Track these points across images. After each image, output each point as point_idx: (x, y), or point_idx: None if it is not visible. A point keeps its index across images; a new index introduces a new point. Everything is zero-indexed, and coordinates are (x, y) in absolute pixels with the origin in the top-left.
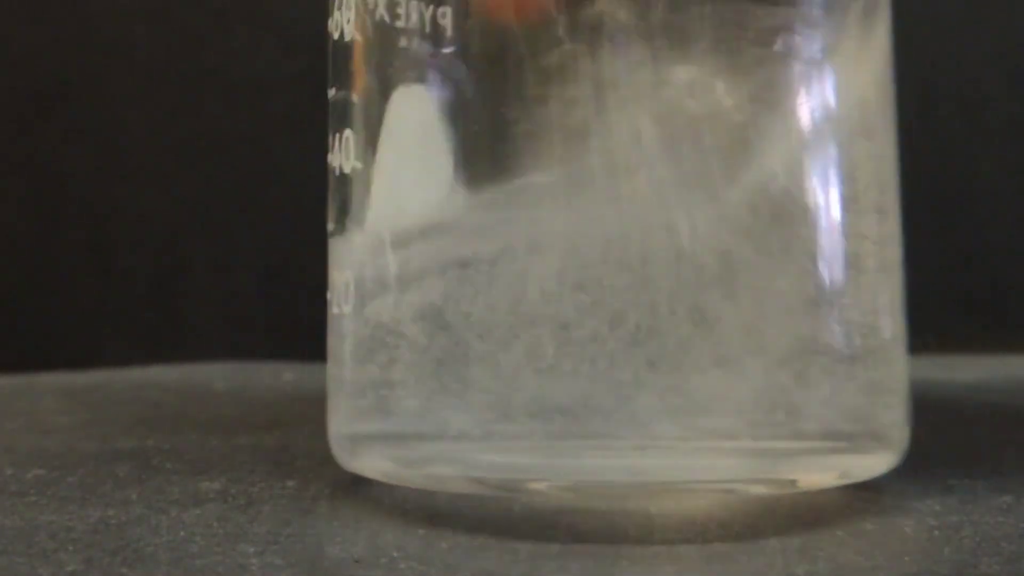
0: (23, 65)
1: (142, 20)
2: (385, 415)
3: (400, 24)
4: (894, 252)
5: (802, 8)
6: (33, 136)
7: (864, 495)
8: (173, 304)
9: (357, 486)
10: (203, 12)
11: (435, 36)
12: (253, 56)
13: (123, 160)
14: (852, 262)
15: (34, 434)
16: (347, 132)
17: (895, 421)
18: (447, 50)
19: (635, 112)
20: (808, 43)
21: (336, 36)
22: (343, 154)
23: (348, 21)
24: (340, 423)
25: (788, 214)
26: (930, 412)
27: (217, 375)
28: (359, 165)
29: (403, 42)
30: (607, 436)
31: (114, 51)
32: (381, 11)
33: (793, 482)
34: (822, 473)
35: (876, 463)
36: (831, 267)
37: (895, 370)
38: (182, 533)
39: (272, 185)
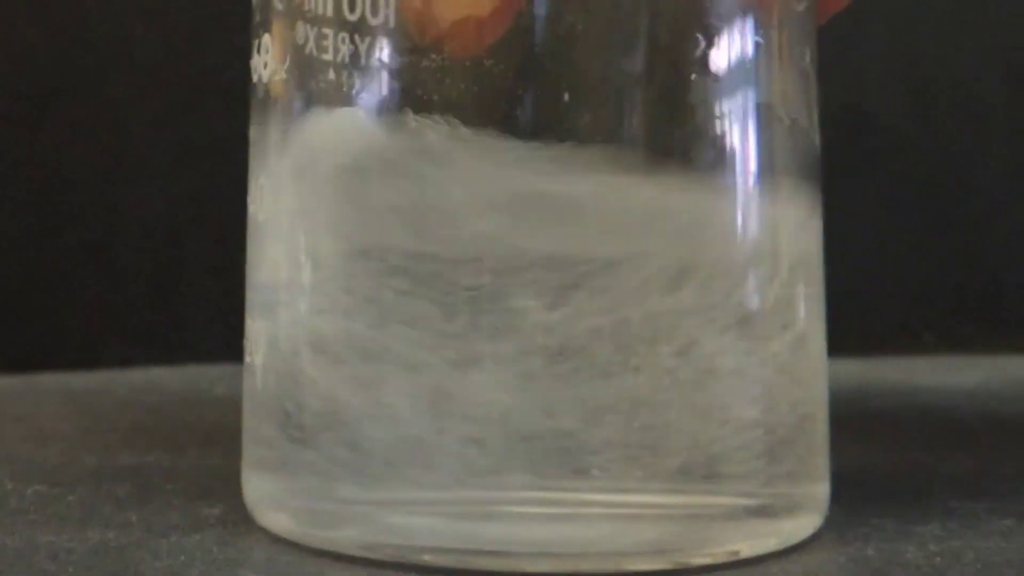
0: (23, 65)
1: (142, 20)
2: (288, 472)
3: (327, 57)
4: (818, 320)
5: None
6: (33, 136)
7: (866, 519)
8: (173, 304)
9: None
10: (203, 12)
11: (365, 69)
12: None
13: (123, 160)
14: (770, 335)
15: (34, 443)
16: (262, 179)
17: (820, 480)
18: (377, 85)
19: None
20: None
21: (256, 78)
22: (259, 201)
23: (266, 65)
24: (250, 476)
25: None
26: (931, 424)
27: (217, 377)
28: (272, 212)
29: (331, 76)
30: (524, 502)
31: (114, 51)
32: (310, 46)
33: (736, 552)
34: (763, 539)
35: (804, 526)
36: (750, 336)
37: (818, 431)
38: (182, 558)
39: None
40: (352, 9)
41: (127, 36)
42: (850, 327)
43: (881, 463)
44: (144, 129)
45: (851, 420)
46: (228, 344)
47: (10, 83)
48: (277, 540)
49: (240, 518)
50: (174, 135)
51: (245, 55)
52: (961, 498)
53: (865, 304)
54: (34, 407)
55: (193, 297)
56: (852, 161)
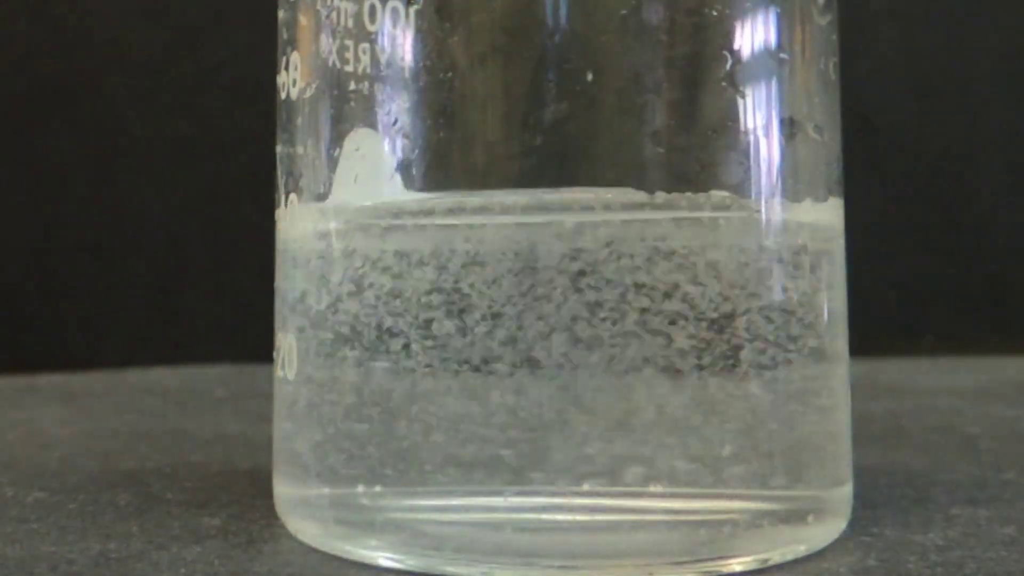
0: (23, 65)
1: (142, 20)
2: (318, 483)
3: (349, 69)
4: (840, 325)
5: None
6: (33, 136)
7: (867, 528)
8: (173, 305)
9: None
10: (203, 12)
11: (387, 78)
12: (253, 56)
13: (123, 160)
14: (796, 341)
15: (34, 448)
16: (292, 196)
17: (844, 483)
18: (400, 94)
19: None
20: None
21: (284, 95)
22: (289, 218)
23: (295, 82)
24: (281, 485)
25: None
26: (931, 427)
27: (217, 378)
28: (304, 230)
29: (354, 87)
30: (554, 510)
31: (114, 51)
32: (333, 58)
33: (766, 559)
34: (792, 545)
35: (831, 530)
36: (777, 344)
37: (842, 434)
38: (183, 570)
39: (272, 186)
40: (373, 19)
41: (127, 35)
42: (850, 327)
43: (881, 468)
44: (144, 129)
45: (851, 422)
46: (228, 344)
47: (10, 83)
48: (277, 552)
49: (240, 529)
50: (174, 135)
51: (245, 55)
52: (962, 505)
53: (866, 304)
54: (34, 410)
55: (193, 297)
56: (854, 162)
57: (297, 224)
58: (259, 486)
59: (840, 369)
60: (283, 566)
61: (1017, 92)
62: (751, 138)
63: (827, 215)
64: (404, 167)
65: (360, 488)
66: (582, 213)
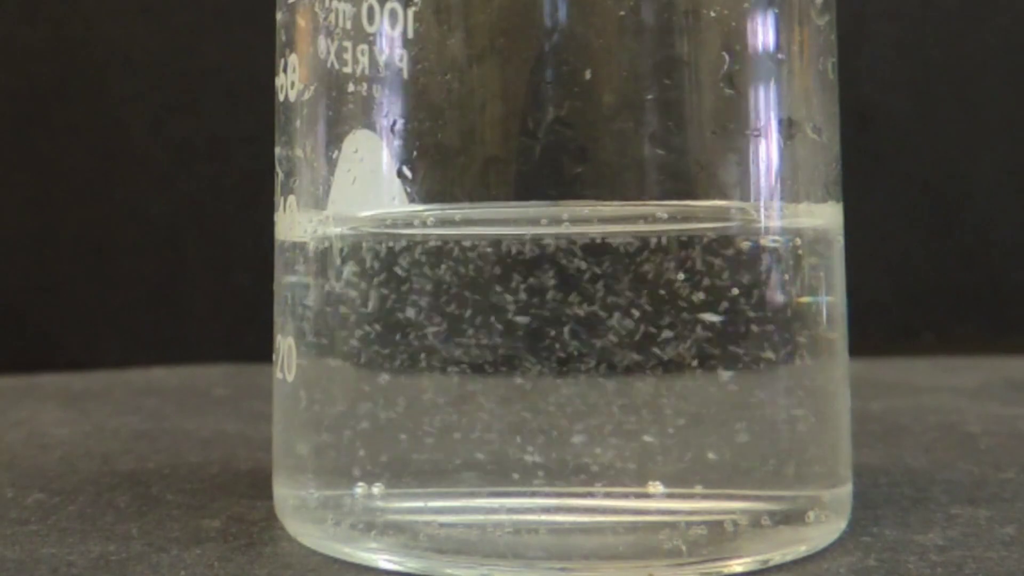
0: (23, 65)
1: (142, 20)
2: (318, 485)
3: (347, 70)
4: (840, 326)
5: None
6: (33, 136)
7: (867, 528)
8: (173, 305)
9: None
10: (203, 12)
11: (386, 80)
12: (253, 56)
13: (123, 160)
14: (794, 342)
15: (34, 449)
16: (291, 198)
17: (844, 483)
18: (399, 96)
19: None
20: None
21: (282, 97)
22: (288, 220)
23: (293, 84)
24: (281, 487)
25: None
26: (932, 428)
27: (216, 378)
28: (303, 232)
29: (353, 88)
30: (553, 511)
31: (114, 51)
32: (331, 60)
33: (767, 560)
34: (793, 546)
35: (832, 531)
36: (775, 345)
37: (842, 434)
38: (183, 573)
39: (272, 185)
40: (371, 21)
41: (127, 35)
42: (850, 327)
43: (880, 467)
44: (144, 129)
45: (851, 422)
46: (228, 344)
47: (10, 83)
48: (277, 555)
49: (240, 531)
50: (174, 135)
51: (245, 55)
52: (962, 505)
53: (866, 304)
54: (34, 411)
55: (193, 297)
56: (853, 162)
57: (295, 226)
58: (259, 487)
59: (840, 369)
60: (283, 569)
61: (1017, 92)
62: (750, 139)
63: (826, 215)
64: (403, 169)
65: (359, 490)
66: (578, 220)
